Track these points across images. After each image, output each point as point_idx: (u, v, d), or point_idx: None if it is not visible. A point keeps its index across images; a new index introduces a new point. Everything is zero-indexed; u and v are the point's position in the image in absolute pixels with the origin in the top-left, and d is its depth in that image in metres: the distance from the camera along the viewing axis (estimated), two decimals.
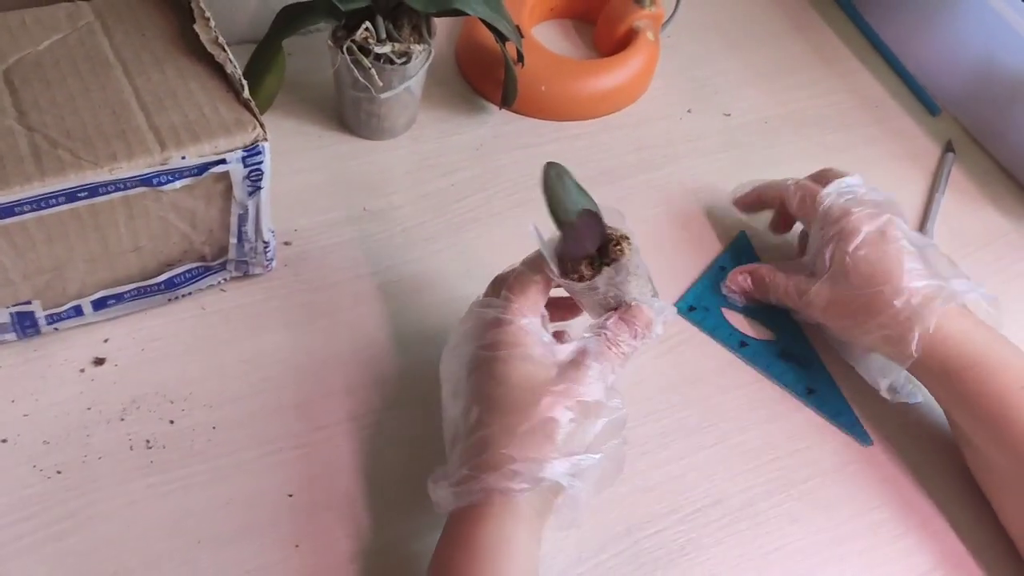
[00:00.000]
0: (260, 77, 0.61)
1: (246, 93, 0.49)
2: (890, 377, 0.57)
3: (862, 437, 0.57)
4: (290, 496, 0.50)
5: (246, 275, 0.57)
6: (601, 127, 0.71)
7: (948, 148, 0.74)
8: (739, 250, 0.65)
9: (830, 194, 0.58)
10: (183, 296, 0.56)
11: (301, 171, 0.64)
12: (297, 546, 0.48)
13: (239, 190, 0.50)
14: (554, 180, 0.47)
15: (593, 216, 0.47)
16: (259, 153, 0.48)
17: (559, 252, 0.47)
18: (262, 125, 0.48)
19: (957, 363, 0.53)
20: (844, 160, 0.72)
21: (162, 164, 0.46)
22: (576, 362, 0.45)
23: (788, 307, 0.60)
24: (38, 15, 0.51)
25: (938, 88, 0.78)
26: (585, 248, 0.47)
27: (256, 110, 0.49)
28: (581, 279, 0.47)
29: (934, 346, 0.53)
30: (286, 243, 0.60)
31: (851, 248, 0.55)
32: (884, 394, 0.57)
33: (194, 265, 0.54)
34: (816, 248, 0.58)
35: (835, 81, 0.79)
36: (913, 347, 0.53)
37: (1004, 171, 0.74)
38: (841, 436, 0.57)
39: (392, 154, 0.66)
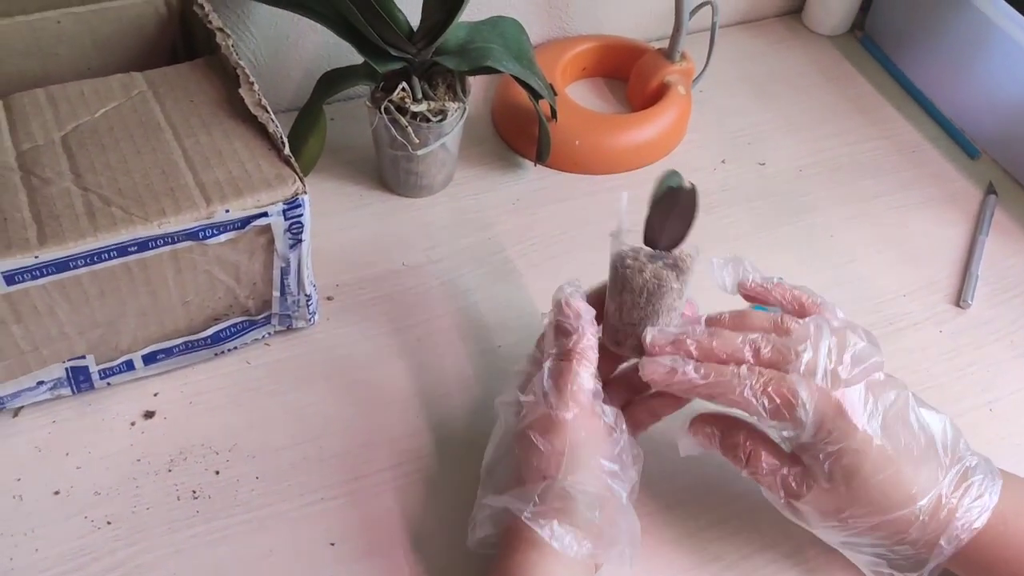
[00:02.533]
0: (303, 139, 0.63)
1: (287, 150, 0.51)
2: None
3: None
4: (332, 545, 0.50)
5: (289, 329, 0.59)
6: (635, 179, 0.72)
7: (990, 190, 0.73)
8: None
9: (804, 395, 0.44)
10: (229, 350, 0.57)
11: (343, 229, 0.66)
12: None
13: (281, 243, 0.52)
14: (673, 175, 0.50)
15: (693, 198, 0.48)
16: (299, 206, 0.50)
17: (648, 219, 0.49)
18: (302, 180, 0.50)
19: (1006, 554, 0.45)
20: (880, 205, 0.72)
21: (207, 218, 0.48)
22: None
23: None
24: (95, 86, 0.54)
25: (976, 131, 0.78)
26: (669, 225, 0.49)
27: (296, 166, 0.51)
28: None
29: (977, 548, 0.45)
30: (328, 298, 0.61)
31: (863, 476, 0.45)
32: None
33: (239, 319, 0.56)
34: (806, 448, 0.46)
35: (870, 129, 0.79)
36: (945, 555, 0.45)
37: None
38: None
39: (430, 211, 0.68)
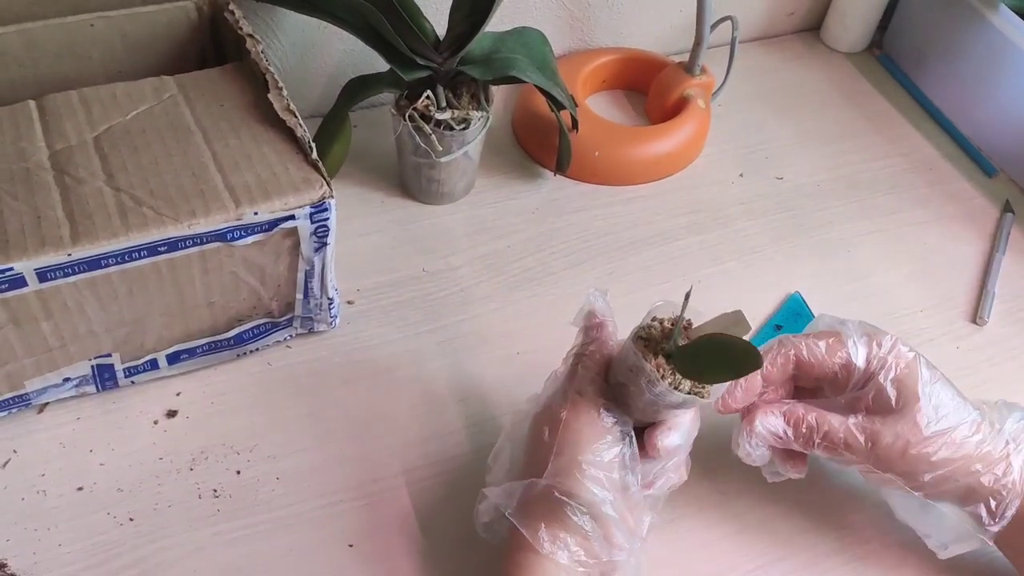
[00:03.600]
0: (328, 145, 0.64)
1: (314, 155, 0.52)
2: (959, 539, 0.50)
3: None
4: (351, 546, 0.51)
5: (311, 332, 0.59)
6: (654, 191, 0.73)
7: (1007, 208, 0.74)
8: (792, 312, 0.65)
9: (850, 326, 0.51)
10: (251, 352, 0.58)
11: (365, 234, 0.66)
12: None
13: (306, 246, 0.52)
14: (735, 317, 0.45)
15: (757, 358, 0.43)
16: (325, 210, 0.51)
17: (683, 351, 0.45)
18: (328, 184, 0.51)
19: None
20: (896, 221, 0.73)
21: (236, 220, 0.49)
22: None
23: (833, 458, 0.50)
24: (127, 89, 0.55)
25: (993, 149, 0.78)
26: (716, 376, 0.45)
27: (323, 170, 0.51)
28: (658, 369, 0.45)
29: None
30: (349, 302, 0.62)
31: (922, 383, 0.49)
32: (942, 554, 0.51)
33: (262, 321, 0.56)
34: (861, 384, 0.50)
35: (887, 146, 0.79)
36: None
37: None
38: None
39: (451, 218, 0.68)
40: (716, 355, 0.43)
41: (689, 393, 0.44)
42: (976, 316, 0.66)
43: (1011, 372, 0.63)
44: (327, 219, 0.51)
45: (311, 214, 0.51)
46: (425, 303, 0.63)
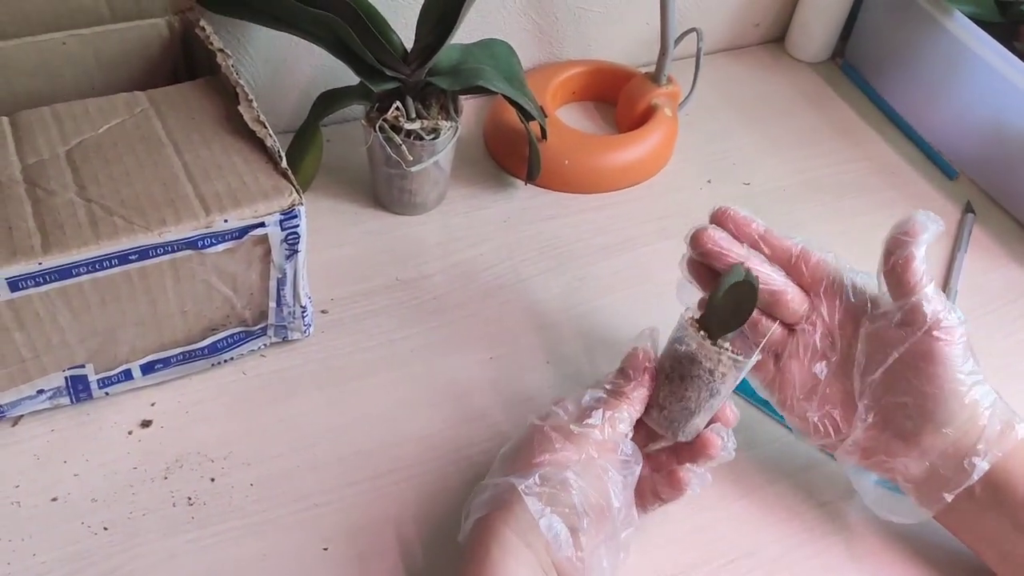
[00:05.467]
0: (300, 157, 0.65)
1: (284, 164, 0.53)
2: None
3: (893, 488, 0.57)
4: (325, 549, 0.51)
5: (285, 340, 0.60)
6: (623, 199, 0.74)
7: (968, 209, 0.75)
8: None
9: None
10: (226, 361, 0.58)
11: (337, 245, 0.67)
12: None
13: (277, 254, 0.53)
14: (736, 271, 0.50)
15: (753, 290, 0.49)
16: (295, 217, 0.52)
17: (705, 315, 0.49)
18: (298, 191, 0.52)
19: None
20: (862, 223, 0.74)
21: (207, 227, 0.49)
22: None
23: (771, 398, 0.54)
24: (99, 104, 0.56)
25: (954, 153, 0.80)
26: (735, 319, 0.48)
27: (293, 179, 0.52)
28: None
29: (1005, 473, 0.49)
30: (323, 311, 0.63)
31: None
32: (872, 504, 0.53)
33: (236, 330, 0.57)
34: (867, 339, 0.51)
35: (851, 151, 0.81)
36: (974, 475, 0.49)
37: None
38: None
39: (423, 228, 0.69)
40: (729, 303, 0.49)
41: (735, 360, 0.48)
42: None
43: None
44: (297, 226, 0.52)
45: (281, 221, 0.51)
46: (399, 311, 0.64)
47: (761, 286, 0.51)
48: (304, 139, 0.65)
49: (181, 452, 0.54)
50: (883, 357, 0.50)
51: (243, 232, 0.51)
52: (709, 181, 0.76)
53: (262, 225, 0.51)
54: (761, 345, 0.50)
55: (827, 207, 0.75)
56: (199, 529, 0.51)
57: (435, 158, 0.65)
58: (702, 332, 0.48)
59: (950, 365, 0.48)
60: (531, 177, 0.71)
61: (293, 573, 0.50)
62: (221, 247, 0.51)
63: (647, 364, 0.49)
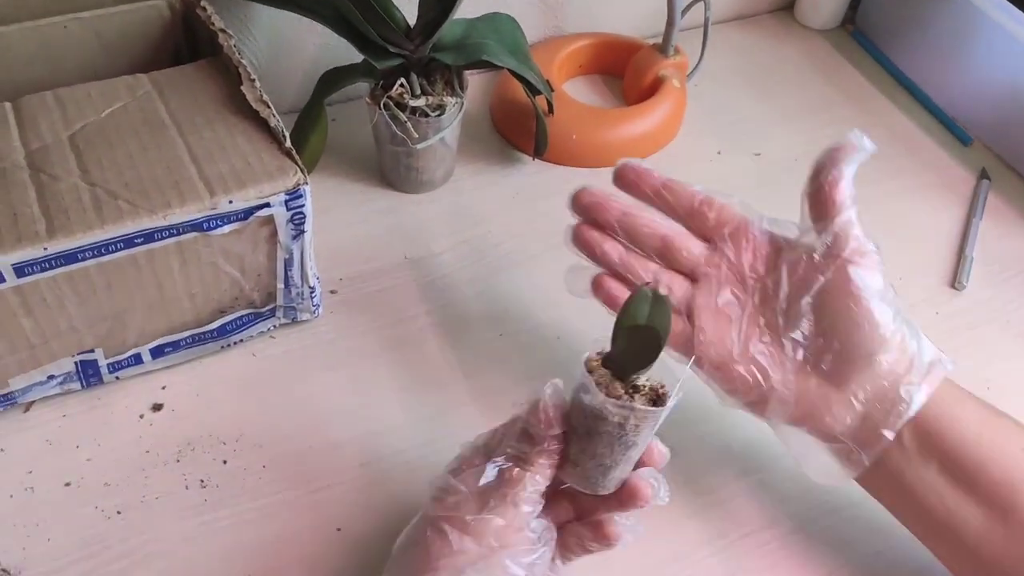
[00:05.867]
0: (305, 137, 0.64)
1: (288, 143, 0.52)
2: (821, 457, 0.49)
3: None
4: (338, 530, 0.51)
5: (294, 322, 0.60)
6: None
7: (983, 175, 0.74)
8: None
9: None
10: (235, 343, 0.58)
11: (346, 225, 0.67)
12: None
13: (283, 234, 0.53)
14: (642, 297, 0.42)
15: (657, 336, 0.41)
16: (300, 196, 0.51)
17: (611, 355, 0.42)
18: (303, 171, 0.51)
19: (953, 444, 0.46)
20: (876, 192, 0.73)
21: (212, 209, 0.49)
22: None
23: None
24: (101, 87, 0.56)
25: (968, 119, 0.79)
26: (639, 362, 0.41)
27: (297, 158, 0.52)
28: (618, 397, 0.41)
29: (924, 424, 0.46)
30: (332, 292, 0.62)
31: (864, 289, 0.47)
32: (816, 476, 0.50)
33: (245, 312, 0.57)
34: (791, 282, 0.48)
35: (864, 119, 0.80)
36: (894, 429, 0.46)
37: None
38: None
39: (431, 206, 0.69)
40: (636, 340, 0.41)
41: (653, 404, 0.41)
42: (955, 281, 0.66)
43: (990, 334, 0.63)
44: (303, 206, 0.52)
45: (286, 201, 0.51)
46: (408, 290, 0.63)
47: (646, 230, 0.50)
48: (309, 119, 0.64)
49: (193, 435, 0.54)
50: (806, 289, 0.48)
51: (248, 213, 0.50)
52: (719, 152, 0.75)
53: (267, 206, 0.51)
54: (677, 388, 0.41)
55: None
56: (212, 511, 0.51)
57: (441, 135, 0.64)
58: (607, 374, 0.41)
59: (875, 292, 0.47)
60: (538, 152, 0.71)
61: (307, 554, 0.50)
62: (227, 229, 0.50)
63: (552, 424, 0.42)
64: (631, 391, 0.41)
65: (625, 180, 0.52)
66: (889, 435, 0.46)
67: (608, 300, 0.52)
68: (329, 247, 0.64)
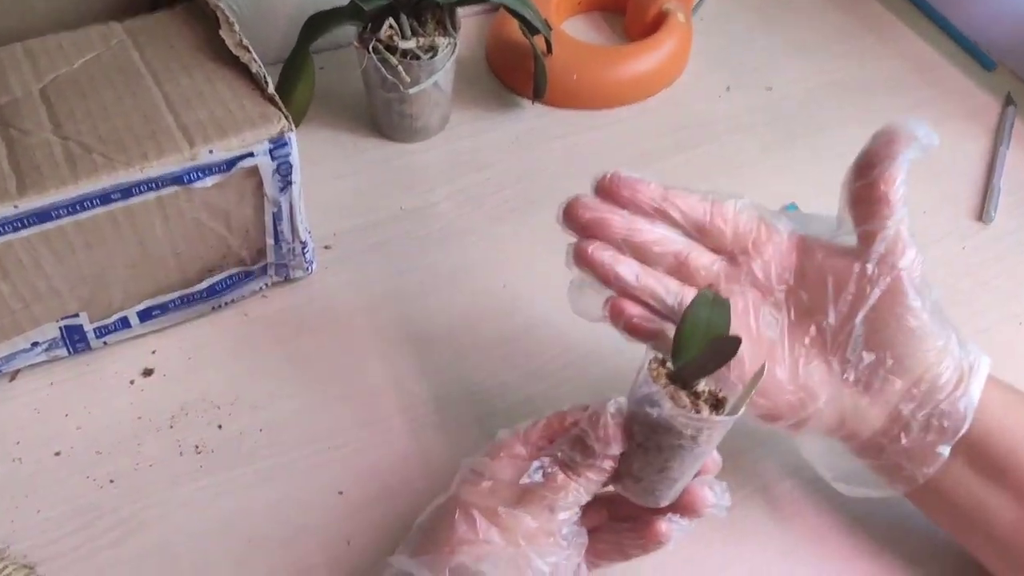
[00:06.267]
0: (292, 86, 0.61)
1: (271, 89, 0.49)
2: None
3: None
4: (340, 493, 0.49)
5: (287, 279, 0.57)
6: (637, 112, 0.70)
7: (1008, 101, 0.71)
8: None
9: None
10: (226, 304, 0.56)
11: (338, 177, 0.64)
12: (349, 543, 0.47)
13: (270, 186, 0.50)
14: (703, 301, 0.40)
15: (735, 345, 0.38)
16: (286, 144, 0.48)
17: (682, 367, 0.40)
18: (287, 117, 0.48)
19: (979, 435, 0.42)
20: None
21: (191, 160, 0.46)
22: None
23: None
24: (73, 38, 0.53)
25: (991, 43, 0.75)
26: (707, 369, 0.39)
27: (281, 104, 0.49)
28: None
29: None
30: (326, 247, 0.60)
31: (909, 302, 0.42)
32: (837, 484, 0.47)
33: (235, 271, 0.54)
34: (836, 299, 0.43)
35: (881, 48, 0.76)
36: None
37: None
38: None
39: (427, 154, 0.66)
40: (709, 352, 0.39)
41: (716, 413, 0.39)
42: (982, 213, 0.63)
43: (1021, 267, 0.60)
44: (289, 155, 0.49)
45: (271, 150, 0.48)
46: (405, 242, 0.60)
47: (657, 248, 0.43)
48: (294, 67, 0.61)
49: (186, 400, 0.52)
50: (859, 304, 0.43)
51: (231, 164, 0.47)
52: (728, 88, 0.72)
53: (251, 155, 0.48)
54: (751, 389, 0.39)
55: (857, 108, 0.71)
56: (208, 477, 0.49)
57: (434, 78, 0.61)
58: (673, 385, 0.39)
59: (924, 298, 0.42)
60: (538, 95, 0.67)
61: (308, 518, 0.48)
62: (209, 181, 0.48)
63: (611, 443, 0.39)
64: (693, 398, 0.39)
65: (617, 198, 0.44)
66: (945, 451, 0.42)
67: (632, 329, 0.44)
68: (321, 201, 0.61)
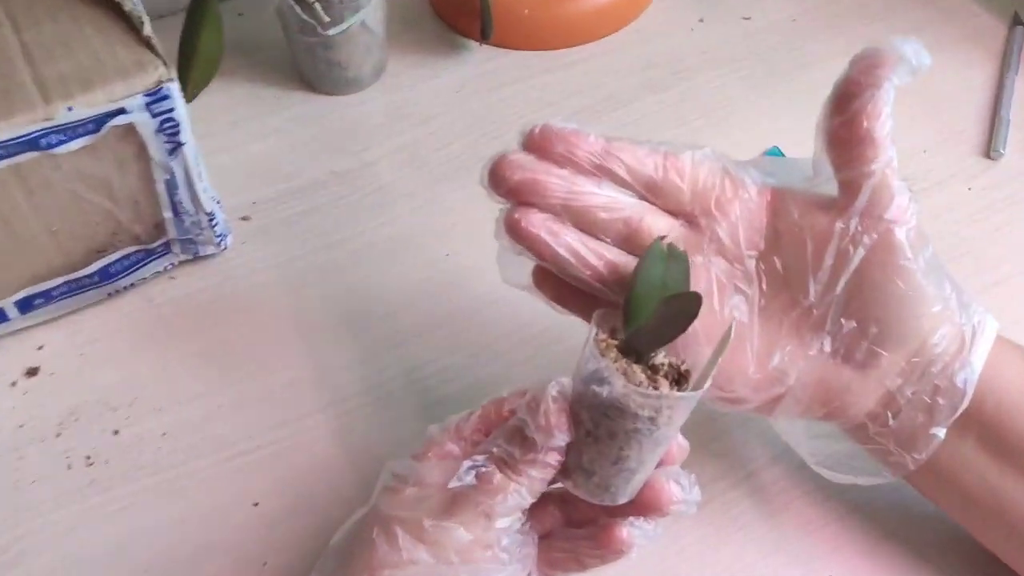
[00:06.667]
0: (195, 34, 0.53)
1: (147, 30, 0.41)
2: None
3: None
4: (255, 505, 0.42)
5: (197, 257, 0.50)
6: (599, 51, 0.62)
7: (1016, 21, 0.63)
8: None
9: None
10: (125, 289, 0.48)
11: (259, 138, 0.56)
12: (265, 564, 0.40)
13: (155, 148, 0.42)
14: (655, 255, 0.34)
15: (696, 303, 0.32)
16: (166, 97, 0.40)
17: (633, 334, 0.33)
18: (166, 63, 0.40)
19: (993, 412, 0.36)
20: None
21: (46, 120, 0.38)
22: None
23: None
24: None
25: None
26: (665, 336, 0.33)
27: (158, 49, 0.41)
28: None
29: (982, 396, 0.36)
30: (244, 218, 0.52)
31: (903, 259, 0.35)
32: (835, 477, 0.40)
33: (131, 250, 0.47)
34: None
35: None
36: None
37: None
38: None
39: (361, 108, 0.58)
40: (663, 316, 0.32)
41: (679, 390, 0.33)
42: (990, 149, 0.55)
43: None
44: (171, 110, 0.41)
45: (147, 104, 0.40)
46: (336, 209, 0.53)
47: (604, 215, 0.36)
48: (197, 12, 0.52)
49: (77, 402, 0.45)
50: (841, 267, 0.36)
51: (99, 123, 0.40)
52: (701, 20, 0.64)
53: (122, 112, 0.40)
54: (717, 357, 0.33)
55: (848, 37, 0.63)
56: (102, 493, 0.42)
57: (359, 16, 0.53)
58: (625, 359, 0.33)
59: (917, 254, 0.35)
60: (485, 35, 0.59)
61: (217, 536, 0.41)
62: (75, 145, 0.40)
63: (554, 432, 0.33)
64: (650, 373, 0.33)
65: (550, 155, 0.36)
66: (940, 433, 0.36)
67: (559, 299, 0.38)
68: (240, 165, 0.54)
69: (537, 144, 0.36)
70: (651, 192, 0.36)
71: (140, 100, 0.40)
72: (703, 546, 0.42)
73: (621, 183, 0.36)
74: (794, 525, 0.42)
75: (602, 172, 0.36)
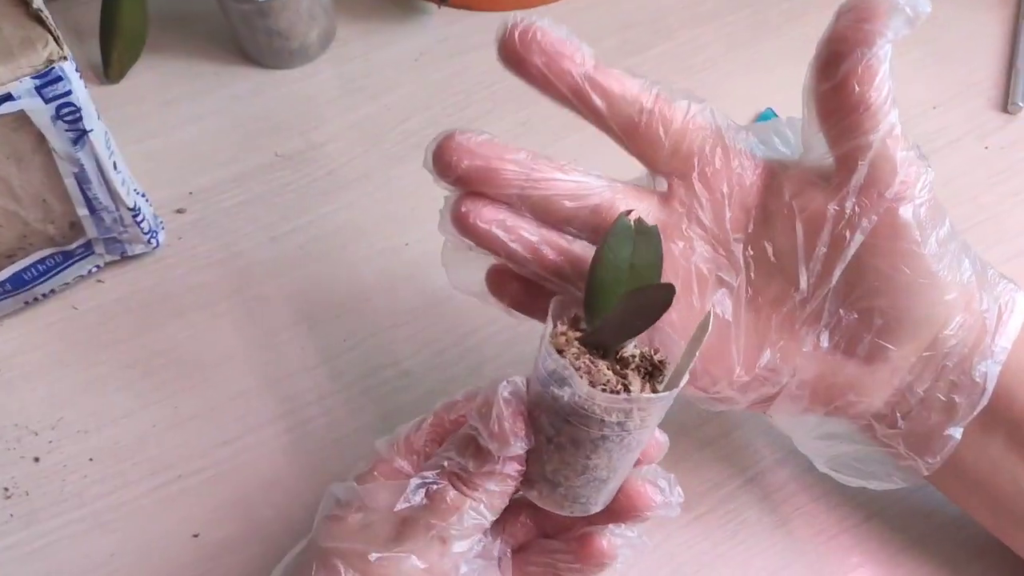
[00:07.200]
0: (115, 6, 0.48)
1: (37, 3, 0.36)
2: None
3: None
4: (195, 536, 0.38)
5: (125, 257, 0.45)
6: (570, 9, 0.56)
7: None
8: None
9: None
10: (45, 296, 0.43)
11: (194, 119, 0.51)
12: None
13: (55, 139, 0.37)
14: (621, 232, 0.29)
15: (670, 291, 0.27)
16: (59, 79, 0.35)
17: (597, 329, 0.29)
18: (58, 40, 0.35)
19: None
20: None
21: None
22: None
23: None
24: None
25: None
26: (634, 327, 0.29)
27: (51, 23, 0.35)
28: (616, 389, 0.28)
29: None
30: (179, 211, 0.47)
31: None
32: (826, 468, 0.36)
33: (45, 253, 0.41)
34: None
35: None
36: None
37: None
38: None
39: (307, 82, 0.52)
40: (633, 305, 0.28)
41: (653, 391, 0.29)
42: (1007, 103, 0.50)
43: None
44: (68, 93, 0.36)
45: (38, 88, 0.35)
46: (281, 197, 0.48)
47: (569, 203, 0.31)
48: None
49: None
50: (833, 255, 0.31)
51: None
52: None
53: (9, 98, 0.34)
54: (695, 349, 0.28)
55: None
56: (21, 530, 0.38)
57: None
58: (588, 355, 0.28)
59: (927, 235, 0.31)
60: None
61: (155, 573, 0.37)
62: None
63: (510, 439, 0.29)
64: (619, 368, 0.29)
65: (526, 65, 0.31)
66: (957, 434, 0.32)
67: (521, 306, 0.34)
68: (174, 151, 0.49)
69: (511, 51, 0.31)
70: (626, 135, 0.31)
71: (28, 84, 0.34)
72: (699, 565, 0.37)
73: (595, 118, 0.31)
74: (804, 535, 0.38)
75: (578, 98, 0.31)
